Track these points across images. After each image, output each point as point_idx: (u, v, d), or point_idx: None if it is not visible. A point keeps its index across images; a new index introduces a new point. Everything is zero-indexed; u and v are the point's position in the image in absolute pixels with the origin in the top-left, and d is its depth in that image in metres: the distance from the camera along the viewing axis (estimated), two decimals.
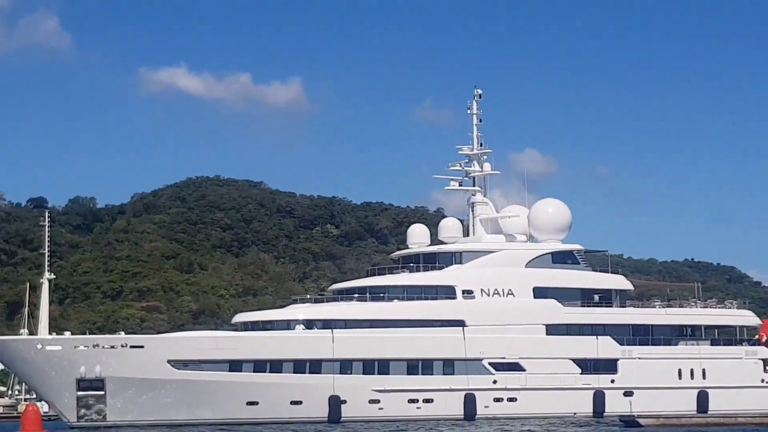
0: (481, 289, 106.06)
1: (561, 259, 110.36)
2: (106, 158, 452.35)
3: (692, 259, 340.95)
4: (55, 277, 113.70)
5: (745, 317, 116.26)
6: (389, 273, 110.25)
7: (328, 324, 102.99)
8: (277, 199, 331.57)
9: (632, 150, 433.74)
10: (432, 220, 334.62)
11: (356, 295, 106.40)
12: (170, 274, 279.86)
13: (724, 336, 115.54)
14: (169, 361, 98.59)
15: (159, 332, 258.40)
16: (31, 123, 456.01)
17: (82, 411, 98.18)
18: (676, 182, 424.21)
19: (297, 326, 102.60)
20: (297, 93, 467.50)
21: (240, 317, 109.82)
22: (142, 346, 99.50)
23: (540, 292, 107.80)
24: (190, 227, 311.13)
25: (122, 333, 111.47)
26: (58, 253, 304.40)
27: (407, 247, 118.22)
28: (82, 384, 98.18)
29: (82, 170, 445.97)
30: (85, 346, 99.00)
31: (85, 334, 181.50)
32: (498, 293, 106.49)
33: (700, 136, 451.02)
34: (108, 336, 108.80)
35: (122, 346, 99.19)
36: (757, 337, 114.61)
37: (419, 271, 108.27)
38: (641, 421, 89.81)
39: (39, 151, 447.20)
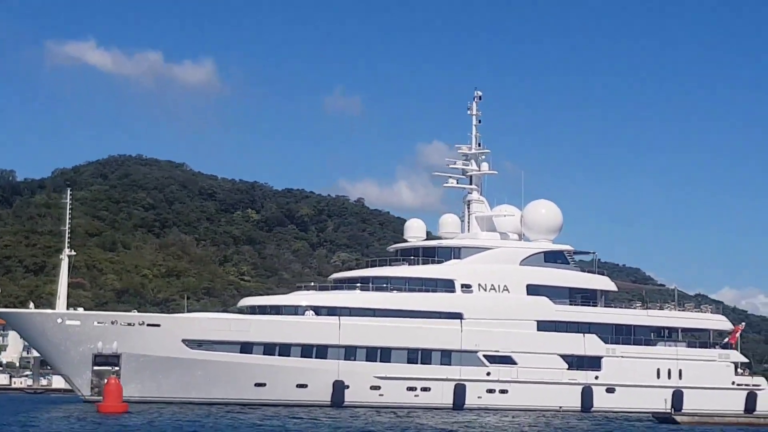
0: (479, 284, 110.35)
1: (552, 258, 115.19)
2: (25, 132, 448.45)
3: (599, 260, 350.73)
4: (75, 254, 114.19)
5: (719, 321, 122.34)
6: (389, 265, 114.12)
7: (333, 311, 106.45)
8: (199, 181, 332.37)
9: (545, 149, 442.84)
10: (352, 209, 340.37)
11: (359, 285, 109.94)
12: (94, 251, 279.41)
13: (700, 339, 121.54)
14: (183, 341, 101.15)
15: (85, 309, 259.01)
16: None
17: (96, 385, 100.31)
18: (581, 182, 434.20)
19: (307, 312, 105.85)
20: (209, 74, 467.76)
21: (246, 301, 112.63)
22: (158, 325, 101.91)
23: (533, 290, 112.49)
24: (113, 205, 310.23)
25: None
26: None
27: (404, 241, 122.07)
28: (98, 359, 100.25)
29: (6, 145, 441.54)
30: (103, 323, 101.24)
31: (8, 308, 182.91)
32: (494, 288, 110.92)
33: (611, 136, 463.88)
34: (126, 313, 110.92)
35: (139, 323, 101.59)
36: (727, 339, 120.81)
37: (418, 264, 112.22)
38: (678, 418, 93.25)
39: None
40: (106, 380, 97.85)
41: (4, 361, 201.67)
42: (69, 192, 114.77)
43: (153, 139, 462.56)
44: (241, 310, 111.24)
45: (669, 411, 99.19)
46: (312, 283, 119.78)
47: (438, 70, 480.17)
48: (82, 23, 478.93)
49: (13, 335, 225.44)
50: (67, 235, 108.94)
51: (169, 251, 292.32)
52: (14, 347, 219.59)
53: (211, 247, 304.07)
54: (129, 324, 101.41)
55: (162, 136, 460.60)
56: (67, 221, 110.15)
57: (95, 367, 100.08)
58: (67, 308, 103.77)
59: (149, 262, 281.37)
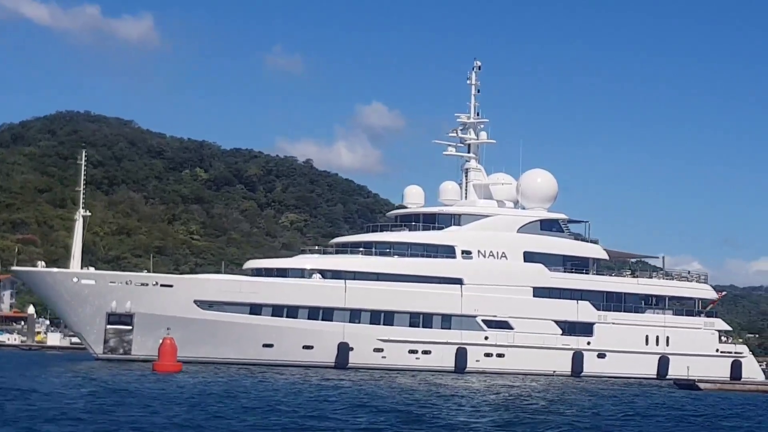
0: (478, 251, 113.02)
1: (548, 226, 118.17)
2: None
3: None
4: (90, 214, 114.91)
5: (704, 290, 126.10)
6: (390, 230, 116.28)
7: (338, 275, 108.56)
8: (148, 139, 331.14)
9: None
10: (300, 170, 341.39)
11: (362, 250, 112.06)
12: (44, 208, 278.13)
13: (686, 307, 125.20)
14: (195, 301, 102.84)
15: (34, 266, 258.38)
16: None
17: (109, 344, 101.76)
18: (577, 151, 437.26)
19: (314, 275, 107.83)
20: (148, 29, 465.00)
21: (252, 264, 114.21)
22: (171, 285, 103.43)
23: (529, 257, 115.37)
24: (61, 161, 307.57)
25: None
26: None
27: (403, 207, 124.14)
28: (112, 318, 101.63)
29: None
30: (114, 282, 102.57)
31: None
32: (493, 255, 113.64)
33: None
34: (140, 273, 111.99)
35: (153, 284, 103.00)
36: (710, 306, 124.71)
37: (418, 230, 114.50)
38: (701, 385, 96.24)
39: None
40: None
41: None
42: (84, 153, 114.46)
43: (100, 96, 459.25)
44: (245, 272, 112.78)
45: (692, 378, 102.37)
46: (316, 247, 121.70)
47: (381, 29, 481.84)
48: None
49: None
50: (81, 196, 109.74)
51: (118, 209, 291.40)
52: None
53: (160, 205, 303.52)
54: (143, 284, 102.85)
55: (108, 93, 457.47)
56: (81, 182, 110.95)
57: (108, 326, 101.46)
58: (81, 267, 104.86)
59: (99, 220, 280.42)
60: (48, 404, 45.69)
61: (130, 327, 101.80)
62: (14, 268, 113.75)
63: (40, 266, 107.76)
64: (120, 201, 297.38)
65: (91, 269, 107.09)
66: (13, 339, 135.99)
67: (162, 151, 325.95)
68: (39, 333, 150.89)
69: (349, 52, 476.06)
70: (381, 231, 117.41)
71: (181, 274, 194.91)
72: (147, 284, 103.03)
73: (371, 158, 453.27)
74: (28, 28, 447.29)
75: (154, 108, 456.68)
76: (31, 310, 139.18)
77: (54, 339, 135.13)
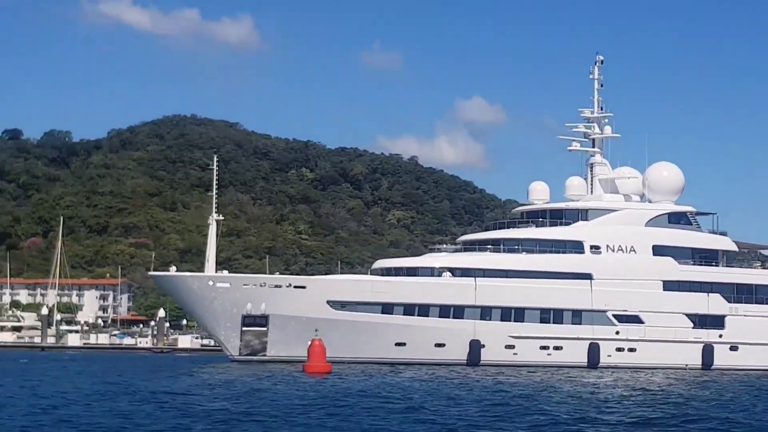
0: (607, 245, 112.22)
1: (676, 219, 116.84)
2: (78, 92, 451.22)
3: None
4: (223, 218, 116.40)
5: None
6: (516, 227, 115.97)
7: (467, 272, 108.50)
8: (254, 140, 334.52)
9: None
10: (406, 168, 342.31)
11: (490, 247, 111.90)
12: (155, 211, 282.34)
13: None
14: (328, 302, 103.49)
15: (148, 269, 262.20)
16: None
17: (245, 346, 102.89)
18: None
19: (444, 273, 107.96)
20: (248, 31, 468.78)
21: (382, 263, 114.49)
22: (304, 287, 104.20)
23: (658, 250, 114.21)
24: (169, 165, 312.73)
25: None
26: (36, 186, 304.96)
27: (526, 203, 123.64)
28: (247, 320, 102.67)
29: (57, 103, 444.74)
30: (249, 285, 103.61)
31: (75, 268, 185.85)
32: (621, 249, 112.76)
33: None
34: (274, 276, 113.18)
35: (286, 286, 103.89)
36: None
37: (545, 226, 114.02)
38: None
39: (13, 83, 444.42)
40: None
41: (81, 321, 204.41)
42: (215, 159, 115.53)
43: (205, 99, 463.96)
44: (375, 272, 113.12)
45: None
46: (444, 246, 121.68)
47: (479, 25, 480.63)
48: None
49: (89, 295, 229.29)
50: (214, 200, 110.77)
51: (226, 210, 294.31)
52: (90, 307, 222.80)
53: (267, 206, 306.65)
54: (276, 286, 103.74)
55: (213, 96, 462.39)
56: (214, 187, 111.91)
57: (244, 328, 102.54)
58: (220, 271, 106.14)
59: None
60: (261, 406, 46.12)
61: (265, 328, 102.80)
62: (151, 272, 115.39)
63: (173, 270, 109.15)
64: (228, 203, 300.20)
65: (225, 272, 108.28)
66: (144, 342, 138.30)
67: (268, 152, 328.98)
68: (167, 336, 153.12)
69: (448, 46, 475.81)
70: (508, 228, 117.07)
71: (291, 274, 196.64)
72: (281, 286, 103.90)
73: (473, 153, 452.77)
74: (130, 35, 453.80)
75: (259, 109, 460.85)
76: (161, 313, 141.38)
77: (185, 341, 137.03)
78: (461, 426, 40.09)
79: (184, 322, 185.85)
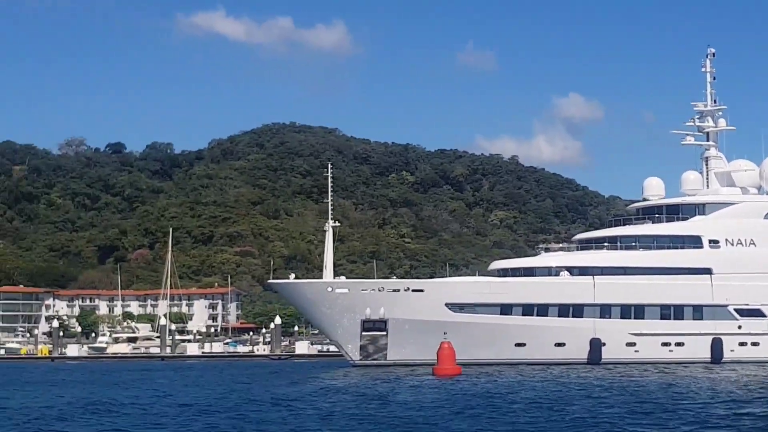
0: (726, 239, 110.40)
1: None
2: (179, 104, 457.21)
3: None
4: (339, 224, 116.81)
5: None
6: (632, 223, 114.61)
7: (585, 271, 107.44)
8: (353, 145, 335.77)
9: None
10: (506, 167, 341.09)
11: (606, 245, 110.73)
12: (258, 219, 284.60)
13: None
14: (446, 304, 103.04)
15: (254, 276, 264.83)
16: (97, 68, 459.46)
17: (365, 350, 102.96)
18: None
19: (562, 273, 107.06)
20: (341, 36, 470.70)
21: (498, 264, 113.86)
22: (422, 290, 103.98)
23: None
24: (271, 173, 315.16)
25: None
26: (140, 198, 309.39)
27: (631, 199, 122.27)
28: (367, 325, 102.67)
29: (158, 116, 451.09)
30: (367, 290, 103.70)
31: (181, 278, 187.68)
32: (741, 243, 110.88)
33: None
34: (392, 280, 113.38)
35: (405, 290, 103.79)
36: None
37: (662, 221, 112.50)
38: None
39: (116, 97, 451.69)
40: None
41: (194, 330, 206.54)
42: (330, 167, 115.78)
43: (302, 106, 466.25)
44: (491, 273, 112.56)
45: None
46: (560, 244, 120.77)
47: (573, 21, 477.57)
48: None
49: (198, 305, 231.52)
50: (330, 208, 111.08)
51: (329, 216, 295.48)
52: (200, 316, 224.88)
53: (369, 210, 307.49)
54: (395, 290, 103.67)
55: (310, 102, 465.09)
56: (329, 194, 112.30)
57: (364, 333, 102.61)
58: (334, 277, 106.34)
59: (312, 228, 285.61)
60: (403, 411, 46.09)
61: (384, 333, 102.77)
62: (270, 281, 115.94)
63: (292, 278, 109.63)
64: (330, 209, 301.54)
65: (342, 278, 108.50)
66: (261, 349, 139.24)
67: (368, 157, 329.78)
68: (286, 342, 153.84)
69: (542, 44, 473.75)
70: (623, 225, 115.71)
71: (397, 278, 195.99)
72: (399, 290, 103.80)
73: (572, 150, 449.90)
74: (225, 45, 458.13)
75: (357, 114, 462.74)
76: (277, 320, 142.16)
77: (302, 348, 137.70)
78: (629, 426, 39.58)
79: (296, 328, 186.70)
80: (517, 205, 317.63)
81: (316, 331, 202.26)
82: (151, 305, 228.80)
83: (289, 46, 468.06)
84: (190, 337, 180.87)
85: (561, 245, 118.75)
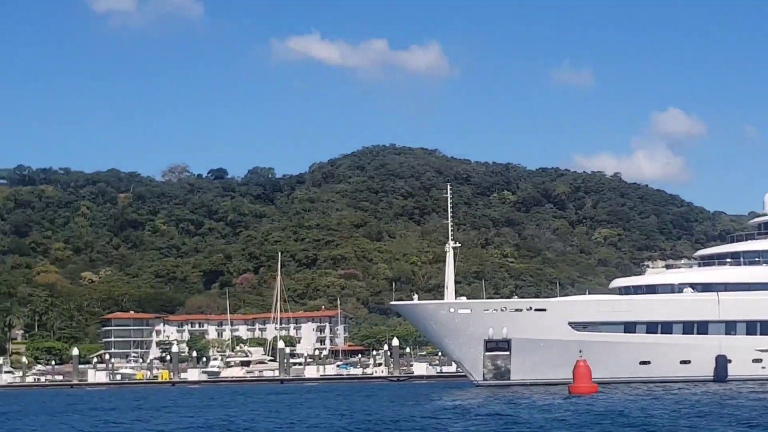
0: None
1: None
2: (278, 128, 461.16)
3: None
4: (460, 245, 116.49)
5: None
6: (755, 238, 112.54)
7: (708, 287, 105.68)
8: (454, 166, 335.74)
9: None
10: (609, 185, 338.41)
11: (729, 260, 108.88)
12: (361, 242, 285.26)
13: None
14: (570, 323, 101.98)
15: (358, 299, 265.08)
16: (197, 95, 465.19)
17: (488, 370, 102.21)
18: None
19: (685, 289, 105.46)
20: (437, 57, 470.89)
21: (619, 282, 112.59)
22: (544, 309, 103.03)
23: None
24: (372, 195, 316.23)
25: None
26: (243, 223, 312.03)
27: (763, 214, 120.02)
28: (489, 345, 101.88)
29: (258, 141, 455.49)
30: (489, 310, 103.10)
31: (286, 301, 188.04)
32: None
33: None
34: (514, 300, 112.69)
35: (527, 309, 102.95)
36: None
37: None
38: None
39: (217, 123, 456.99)
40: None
41: (305, 353, 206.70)
42: (449, 188, 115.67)
43: (401, 127, 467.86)
44: (612, 291, 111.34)
45: None
46: (682, 261, 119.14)
47: (670, 35, 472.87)
48: (304, 18, 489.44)
49: (306, 328, 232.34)
50: (450, 228, 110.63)
51: (431, 237, 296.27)
52: (308, 339, 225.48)
53: (471, 231, 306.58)
54: (517, 310, 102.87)
55: (408, 124, 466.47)
56: (449, 215, 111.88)
57: (486, 353, 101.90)
58: (455, 297, 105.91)
59: (415, 250, 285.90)
60: None
61: (507, 352, 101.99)
62: (393, 303, 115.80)
63: (415, 299, 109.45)
64: (432, 230, 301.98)
65: (463, 298, 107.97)
66: (379, 371, 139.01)
67: (468, 177, 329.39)
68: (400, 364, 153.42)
69: (638, 59, 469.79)
70: (746, 240, 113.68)
71: (501, 297, 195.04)
72: (521, 309, 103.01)
73: (673, 166, 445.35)
74: (321, 69, 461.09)
75: (456, 134, 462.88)
76: (394, 342, 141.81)
77: (420, 369, 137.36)
78: None
79: (407, 350, 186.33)
80: (621, 222, 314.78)
81: (423, 353, 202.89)
82: (260, 329, 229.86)
83: (385, 68, 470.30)
84: (300, 360, 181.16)
85: (684, 262, 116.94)
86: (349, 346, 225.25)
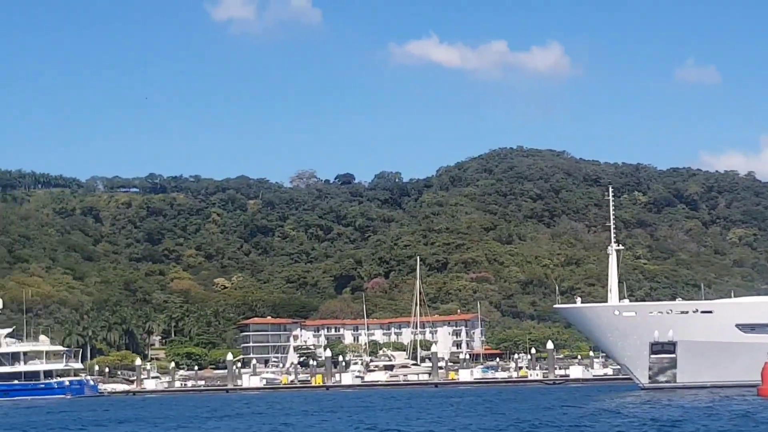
0: None
1: None
2: (406, 133, 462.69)
3: None
4: (623, 248, 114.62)
5: None
6: None
7: None
8: (583, 167, 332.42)
9: None
10: (743, 184, 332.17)
11: None
12: (492, 245, 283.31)
13: None
14: (737, 325, 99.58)
15: (491, 302, 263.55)
16: (322, 101, 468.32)
17: (654, 373, 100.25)
18: None
19: None
20: (557, 58, 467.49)
21: None
22: (711, 311, 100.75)
23: None
24: (501, 198, 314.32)
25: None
26: (372, 227, 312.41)
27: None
28: (655, 347, 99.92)
29: (385, 146, 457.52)
30: (654, 312, 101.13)
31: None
32: None
33: None
34: (679, 302, 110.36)
35: (693, 311, 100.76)
36: None
37: None
38: None
39: (343, 129, 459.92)
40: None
41: (440, 355, 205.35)
42: (610, 190, 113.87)
43: (527, 129, 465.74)
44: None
45: None
46: None
47: None
48: (422, 22, 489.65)
49: (442, 332, 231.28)
50: (612, 231, 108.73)
51: (562, 240, 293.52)
52: (444, 343, 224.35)
53: (602, 232, 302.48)
54: (683, 312, 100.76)
55: (534, 125, 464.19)
56: (611, 218, 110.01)
57: (652, 356, 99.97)
58: (619, 300, 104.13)
59: (547, 252, 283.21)
60: None
61: (673, 355, 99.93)
62: (557, 305, 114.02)
63: (578, 302, 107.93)
64: (563, 232, 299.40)
65: (625, 301, 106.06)
66: (534, 374, 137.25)
67: (598, 178, 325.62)
68: (520, 368, 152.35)
69: (764, 54, 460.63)
70: None
71: (637, 300, 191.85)
72: (687, 312, 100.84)
73: None
74: (440, 72, 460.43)
75: (583, 135, 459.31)
76: (549, 345, 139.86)
77: (576, 372, 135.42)
78: None
79: (533, 350, 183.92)
80: (756, 222, 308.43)
81: (560, 356, 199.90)
82: (395, 333, 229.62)
83: (505, 69, 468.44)
84: (441, 363, 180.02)
85: None
86: (486, 349, 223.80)
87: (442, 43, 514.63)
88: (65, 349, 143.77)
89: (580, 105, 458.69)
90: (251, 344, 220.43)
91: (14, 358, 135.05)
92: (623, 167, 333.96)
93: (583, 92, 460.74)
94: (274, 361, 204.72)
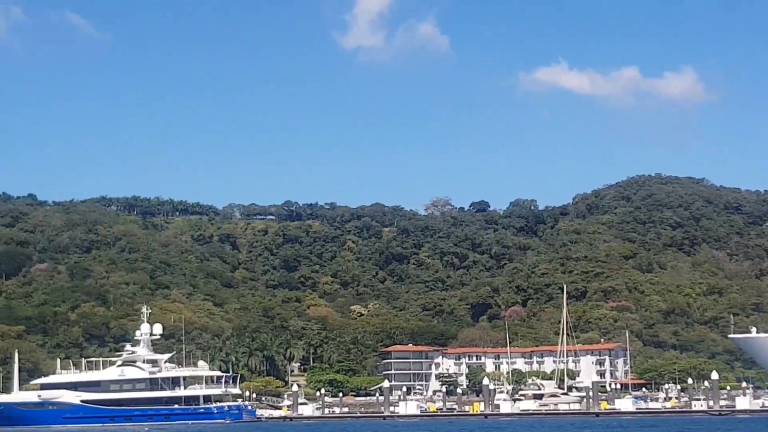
0: None
1: None
2: (540, 160, 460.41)
3: None
4: None
5: None
6: None
7: None
8: (723, 195, 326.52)
9: None
10: None
11: None
12: (632, 273, 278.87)
13: None
14: None
15: (632, 331, 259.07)
16: (449, 129, 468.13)
17: None
18: None
19: None
20: (692, 83, 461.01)
21: None
22: None
23: None
24: (639, 226, 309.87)
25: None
26: (507, 255, 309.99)
27: None
28: None
29: (522, 174, 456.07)
30: None
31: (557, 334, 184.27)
32: None
33: None
34: None
35: None
36: None
37: None
38: None
39: (477, 156, 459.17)
40: None
41: (579, 386, 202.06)
42: None
43: (666, 158, 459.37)
44: None
45: None
46: None
47: None
48: (551, 49, 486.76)
49: (585, 361, 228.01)
50: None
51: (703, 268, 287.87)
52: (587, 372, 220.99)
53: (744, 261, 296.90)
54: None
55: (672, 153, 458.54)
56: None
57: None
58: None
59: (688, 281, 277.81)
60: None
61: None
62: (732, 335, 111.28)
63: (753, 332, 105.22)
64: (704, 260, 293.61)
65: None
66: (699, 404, 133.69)
67: (739, 206, 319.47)
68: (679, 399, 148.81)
69: None
70: None
71: None
72: None
73: None
74: (570, 99, 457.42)
75: (723, 162, 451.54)
76: (714, 375, 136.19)
77: (743, 403, 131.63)
78: None
79: (690, 380, 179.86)
80: None
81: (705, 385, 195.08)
82: (537, 362, 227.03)
83: (637, 96, 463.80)
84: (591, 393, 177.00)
85: None
86: (631, 379, 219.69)
87: (571, 70, 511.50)
88: (224, 374, 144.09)
89: (716, 131, 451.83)
90: (393, 371, 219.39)
91: (174, 382, 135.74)
92: (765, 195, 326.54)
93: (720, 118, 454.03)
94: (418, 389, 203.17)
